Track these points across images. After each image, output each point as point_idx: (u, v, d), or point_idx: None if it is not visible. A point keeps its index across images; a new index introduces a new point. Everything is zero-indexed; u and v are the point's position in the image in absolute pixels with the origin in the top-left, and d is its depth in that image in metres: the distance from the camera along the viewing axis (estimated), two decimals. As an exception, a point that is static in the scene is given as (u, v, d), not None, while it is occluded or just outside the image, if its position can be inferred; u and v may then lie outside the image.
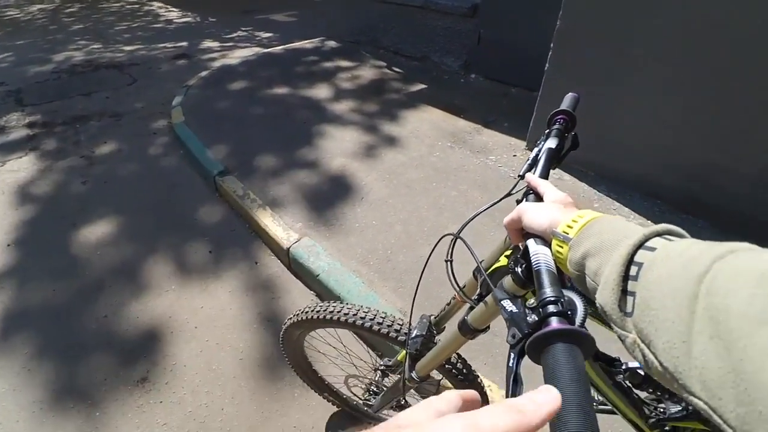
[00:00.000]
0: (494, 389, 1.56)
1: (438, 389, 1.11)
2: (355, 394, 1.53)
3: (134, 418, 1.67)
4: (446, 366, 1.07)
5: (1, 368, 1.85)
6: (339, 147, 3.00)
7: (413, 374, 1.09)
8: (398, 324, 1.10)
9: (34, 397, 1.75)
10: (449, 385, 1.17)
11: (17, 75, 4.90)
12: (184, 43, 5.79)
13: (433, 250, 0.91)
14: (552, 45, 2.59)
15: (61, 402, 1.73)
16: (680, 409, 0.95)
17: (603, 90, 2.47)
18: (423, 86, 3.87)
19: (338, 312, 1.11)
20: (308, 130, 3.22)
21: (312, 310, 1.17)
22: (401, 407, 1.38)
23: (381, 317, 1.10)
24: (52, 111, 3.96)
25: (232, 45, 5.60)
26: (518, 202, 0.76)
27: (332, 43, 4.93)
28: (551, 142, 0.82)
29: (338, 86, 3.90)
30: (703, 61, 2.10)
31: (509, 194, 0.83)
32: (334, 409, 1.67)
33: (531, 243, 0.58)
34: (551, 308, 0.45)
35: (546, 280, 0.50)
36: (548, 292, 0.48)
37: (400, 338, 1.08)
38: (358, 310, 1.11)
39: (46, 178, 3.06)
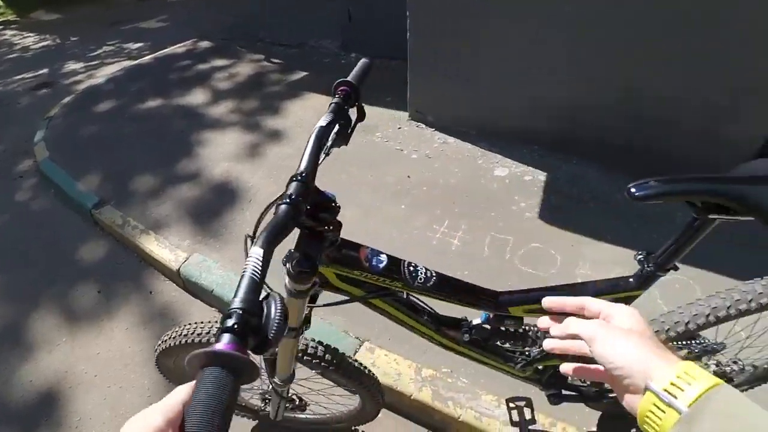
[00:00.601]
0: (399, 360, 1.60)
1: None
2: (256, 405, 1.51)
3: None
4: (313, 361, 1.07)
5: None
6: (220, 152, 2.89)
7: (275, 379, 1.08)
8: None
9: None
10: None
11: None
12: (45, 70, 5.26)
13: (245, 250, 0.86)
14: (408, 13, 2.61)
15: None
16: (540, 350, 1.01)
17: (467, 51, 2.53)
18: (304, 73, 3.79)
19: (191, 334, 1.07)
20: (186, 140, 3.06)
21: (169, 338, 1.12)
22: (302, 408, 1.38)
23: None
24: None
25: (98, 63, 5.17)
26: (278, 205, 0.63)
27: (206, 43, 4.69)
28: (323, 120, 0.77)
29: (215, 88, 3.72)
30: (559, 13, 2.20)
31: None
32: (252, 423, 1.64)
33: (253, 245, 0.51)
34: (228, 322, 0.41)
35: (241, 288, 0.45)
36: (235, 302, 0.43)
37: None
38: (210, 326, 1.08)
39: None
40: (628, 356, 0.43)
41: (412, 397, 1.47)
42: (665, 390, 0.39)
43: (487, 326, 0.96)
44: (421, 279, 0.82)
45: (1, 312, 2.21)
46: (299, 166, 0.70)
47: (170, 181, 2.71)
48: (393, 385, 1.49)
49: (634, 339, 0.45)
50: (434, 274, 0.84)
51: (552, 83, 2.41)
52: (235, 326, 0.40)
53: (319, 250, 0.72)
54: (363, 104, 0.87)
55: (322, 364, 1.08)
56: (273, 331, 0.42)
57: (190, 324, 1.11)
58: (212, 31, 5.12)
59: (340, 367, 1.10)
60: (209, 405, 0.34)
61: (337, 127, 0.80)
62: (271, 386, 1.18)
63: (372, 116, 3.19)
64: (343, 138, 0.82)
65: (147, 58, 4.60)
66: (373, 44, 3.89)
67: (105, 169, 2.91)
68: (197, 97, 3.62)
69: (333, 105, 0.80)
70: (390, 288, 0.84)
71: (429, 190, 2.40)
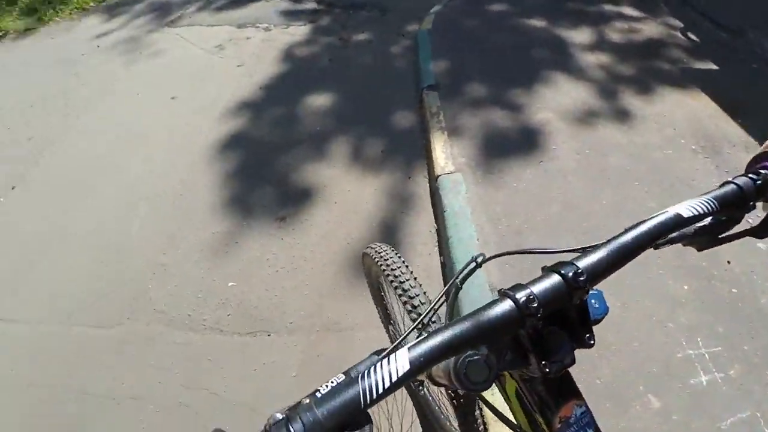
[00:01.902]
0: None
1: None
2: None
3: (263, 239, 2.13)
4: (449, 391, 0.95)
5: (227, 177, 2.48)
6: (555, 100, 2.65)
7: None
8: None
9: (219, 199, 2.35)
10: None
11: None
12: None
13: (461, 272, 0.61)
14: None
15: (231, 207, 2.30)
16: None
17: None
18: (712, 66, 2.97)
19: (382, 264, 1.05)
20: (536, 71, 2.91)
21: (373, 250, 1.13)
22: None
23: (420, 300, 0.96)
24: (340, -7, 4.56)
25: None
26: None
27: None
28: (686, 206, 0.47)
29: (603, 35, 3.31)
30: None
31: None
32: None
33: (410, 347, 0.37)
34: None
35: (333, 402, 0.35)
36: (306, 415, 0.34)
37: (418, 327, 0.95)
38: (408, 281, 1.01)
39: (308, 47, 3.66)
40: None
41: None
42: None
43: None
44: None
45: (326, 121, 2.82)
46: (587, 251, 0.44)
47: (493, 101, 2.70)
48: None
49: None
50: None
51: None
52: None
53: (509, 367, 0.47)
54: None
55: (454, 401, 0.97)
56: None
57: (392, 254, 1.08)
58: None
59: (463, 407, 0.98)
60: None
61: (708, 221, 0.50)
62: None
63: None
64: (708, 240, 0.52)
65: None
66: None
67: (457, 60, 3.10)
68: (579, 35, 3.31)
69: (727, 188, 0.48)
70: None
71: (738, 293, 1.66)
